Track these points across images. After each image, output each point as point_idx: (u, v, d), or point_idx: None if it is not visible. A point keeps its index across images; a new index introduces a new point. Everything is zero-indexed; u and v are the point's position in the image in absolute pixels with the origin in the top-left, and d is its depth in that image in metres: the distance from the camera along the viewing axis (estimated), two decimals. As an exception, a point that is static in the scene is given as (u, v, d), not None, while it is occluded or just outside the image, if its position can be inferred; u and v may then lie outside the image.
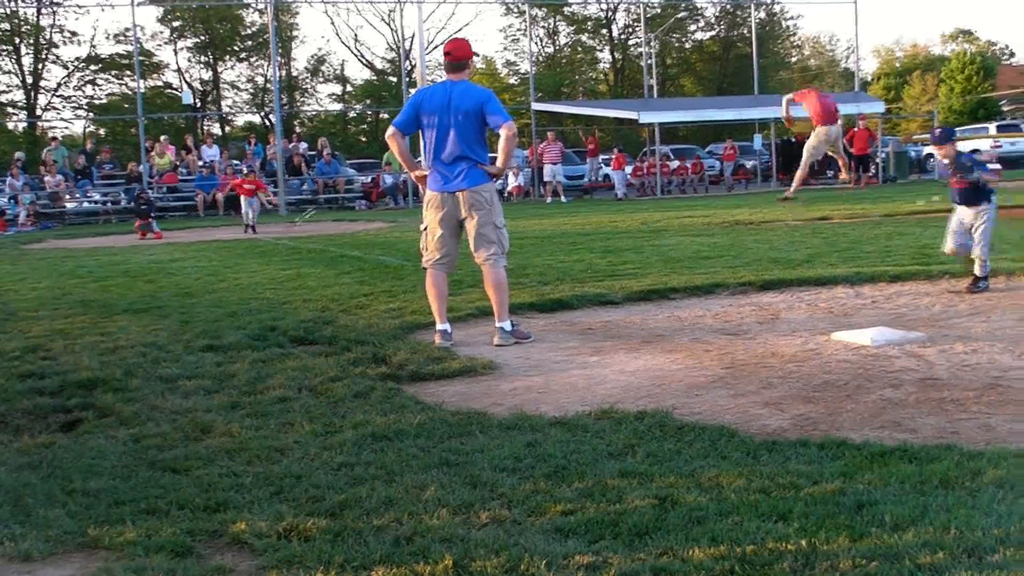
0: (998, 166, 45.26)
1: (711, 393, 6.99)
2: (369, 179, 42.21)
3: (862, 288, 11.48)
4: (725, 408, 6.54)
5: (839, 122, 23.04)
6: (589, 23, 78.36)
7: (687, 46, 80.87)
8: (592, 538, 4.22)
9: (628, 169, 43.20)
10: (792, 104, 22.93)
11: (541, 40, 77.85)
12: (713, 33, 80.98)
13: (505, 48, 72.79)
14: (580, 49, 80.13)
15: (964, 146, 51.03)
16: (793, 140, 47.83)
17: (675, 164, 46.26)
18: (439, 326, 9.26)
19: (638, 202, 36.67)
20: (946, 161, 11.16)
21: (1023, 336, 8.48)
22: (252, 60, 70.46)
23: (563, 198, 38.97)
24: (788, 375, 7.44)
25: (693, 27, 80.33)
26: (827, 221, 21.35)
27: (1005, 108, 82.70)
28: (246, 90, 72.04)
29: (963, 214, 10.85)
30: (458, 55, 9.27)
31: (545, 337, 9.49)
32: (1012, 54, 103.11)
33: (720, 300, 11.22)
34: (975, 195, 10.82)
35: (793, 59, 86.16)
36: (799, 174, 23.45)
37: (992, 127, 59.42)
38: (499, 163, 9.17)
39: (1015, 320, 9.24)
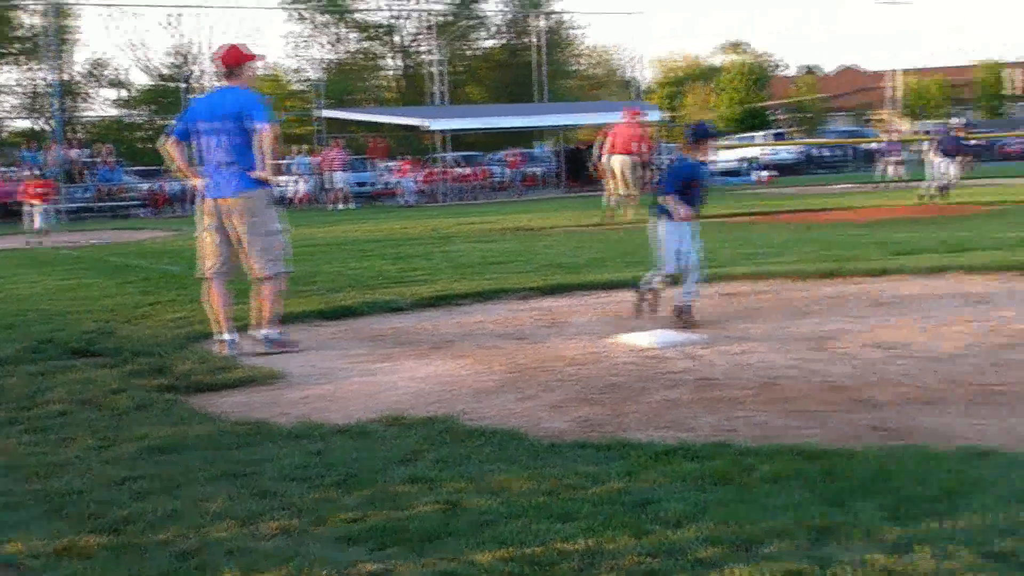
0: (771, 173, 47.00)
1: (498, 397, 7.06)
2: (152, 186, 41.19)
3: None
4: (512, 412, 6.61)
5: (638, 153, 23.12)
6: (376, 29, 78.11)
7: (476, 54, 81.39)
8: (378, 545, 4.22)
9: (416, 176, 43.25)
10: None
11: (327, 47, 77.27)
12: (500, 41, 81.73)
13: (289, 56, 71.65)
14: (364, 56, 79.78)
15: (737, 154, 52.96)
16: (578, 148, 48.74)
17: (463, 171, 46.53)
18: (224, 336, 9.10)
19: (426, 209, 36.73)
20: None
21: (791, 336, 8.82)
22: (24, 63, 67.77)
23: (352, 204, 38.79)
24: (573, 378, 7.57)
25: (481, 35, 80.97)
26: (613, 226, 21.76)
27: (778, 117, 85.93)
28: (20, 94, 69.29)
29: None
30: (227, 61, 9.14)
31: (334, 345, 9.43)
32: (779, 66, 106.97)
33: (507, 305, 11.33)
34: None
35: (580, 67, 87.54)
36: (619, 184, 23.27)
37: (758, 136, 61.60)
38: (259, 168, 9.00)
39: (785, 321, 9.60)
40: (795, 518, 4.25)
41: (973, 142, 33.09)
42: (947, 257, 12.72)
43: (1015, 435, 5.55)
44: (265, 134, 8.83)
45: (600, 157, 23.07)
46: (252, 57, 9.35)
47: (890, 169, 35.17)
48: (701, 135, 10.07)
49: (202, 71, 54.09)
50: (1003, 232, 15.68)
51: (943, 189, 25.19)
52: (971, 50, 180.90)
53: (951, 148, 25.60)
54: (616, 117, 24.54)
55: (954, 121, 25.98)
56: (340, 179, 39.64)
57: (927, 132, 24.60)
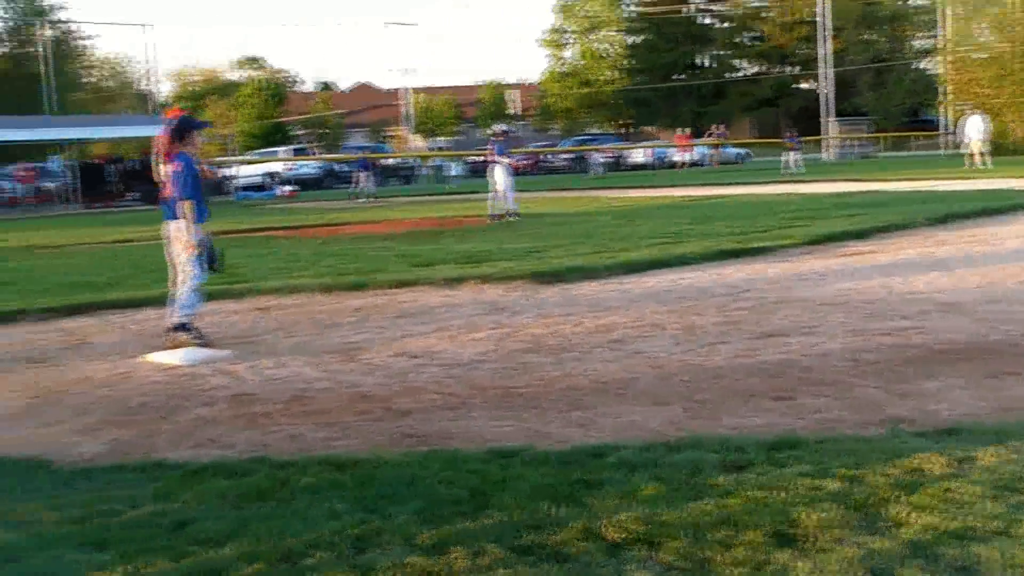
0: (294, 188, 47.21)
1: (19, 424, 6.72)
2: None
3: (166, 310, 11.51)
4: (36, 438, 6.31)
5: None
6: None
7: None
8: None
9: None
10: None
11: None
12: (3, 49, 77.35)
13: None
14: None
15: (260, 169, 52.92)
16: (96, 162, 47.00)
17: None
18: None
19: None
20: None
21: (321, 348, 8.93)
22: None
23: None
24: (101, 400, 7.32)
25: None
26: (130, 243, 21.13)
27: (297, 132, 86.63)
28: None
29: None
30: None
31: None
32: (296, 82, 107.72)
33: (24, 327, 10.78)
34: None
35: (89, 79, 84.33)
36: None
37: (281, 151, 61.87)
38: None
39: (315, 334, 9.72)
40: (334, 528, 4.33)
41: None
42: (465, 268, 13.28)
43: (535, 434, 5.91)
44: None
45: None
46: None
47: (363, 182, 39.40)
48: (187, 126, 9.44)
49: None
50: (514, 243, 16.57)
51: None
52: (474, 71, 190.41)
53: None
54: (134, 131, 23.86)
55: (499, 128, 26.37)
56: None
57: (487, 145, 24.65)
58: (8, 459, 5.72)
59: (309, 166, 57.50)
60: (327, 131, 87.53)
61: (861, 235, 15.68)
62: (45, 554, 4.20)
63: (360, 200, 38.14)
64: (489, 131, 26.25)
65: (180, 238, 9.17)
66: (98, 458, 5.78)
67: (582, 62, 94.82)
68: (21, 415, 6.99)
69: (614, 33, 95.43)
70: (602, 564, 3.90)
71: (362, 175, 40.43)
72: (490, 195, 23.67)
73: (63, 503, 4.86)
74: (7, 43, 75.45)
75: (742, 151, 66.36)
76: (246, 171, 53.15)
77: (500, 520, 4.35)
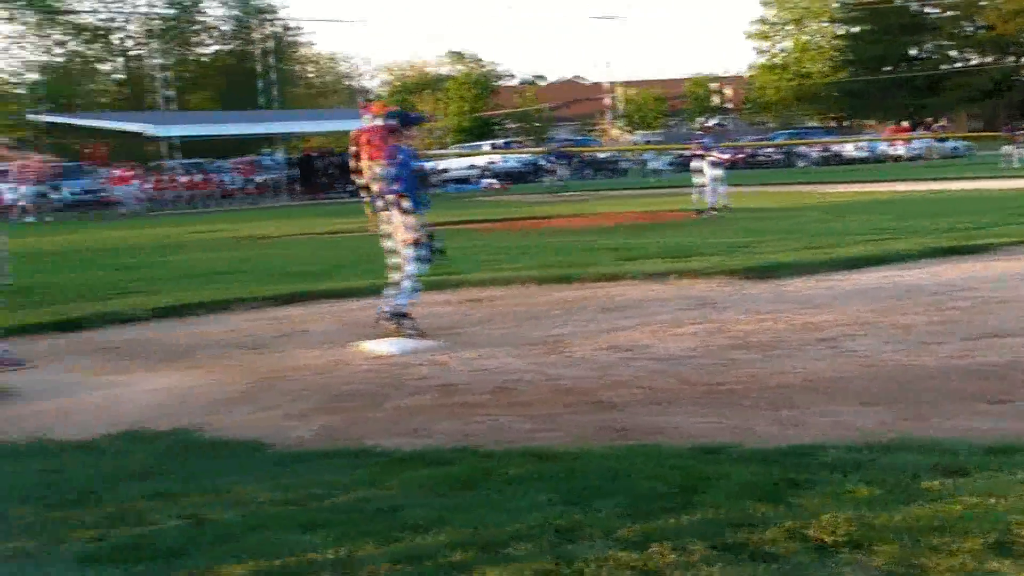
0: (504, 181, 47.67)
1: (237, 408, 6.96)
2: None
3: (381, 299, 11.75)
4: (252, 422, 6.53)
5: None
6: (95, 33, 75.53)
7: (200, 59, 79.72)
8: (121, 563, 4.09)
9: (138, 184, 41.77)
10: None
11: (49, 49, 74.24)
12: (227, 47, 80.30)
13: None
14: (85, 59, 77.07)
15: (467, 162, 53.69)
16: (311, 155, 48.37)
17: (190, 178, 45.41)
18: None
19: (150, 218, 35.68)
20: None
21: (527, 340, 9.00)
22: None
23: (31, 217, 36.03)
24: (313, 386, 7.53)
25: (207, 40, 79.35)
26: (342, 234, 21.64)
27: (505, 126, 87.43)
28: None
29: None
30: None
31: (63, 358, 9.09)
32: (505, 76, 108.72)
33: (241, 315, 11.16)
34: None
35: (306, 75, 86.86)
36: None
37: (487, 144, 62.61)
38: None
39: (522, 326, 9.80)
40: (537, 519, 4.34)
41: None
42: (672, 262, 13.20)
43: (741, 431, 5.82)
44: None
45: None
46: None
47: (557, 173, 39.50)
48: (406, 120, 9.77)
49: None
50: (723, 238, 16.38)
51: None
52: (682, 64, 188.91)
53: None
54: (348, 124, 24.14)
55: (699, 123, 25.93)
56: (27, 193, 36.83)
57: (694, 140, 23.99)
58: (227, 441, 5.93)
59: (517, 159, 58.03)
60: (534, 125, 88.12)
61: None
62: (262, 534, 4.33)
63: (554, 193, 38.15)
64: (695, 125, 25.70)
65: (400, 230, 9.34)
66: (310, 443, 5.95)
67: (792, 54, 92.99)
68: (239, 400, 7.25)
69: (826, 24, 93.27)
70: (810, 565, 3.81)
71: (557, 167, 40.39)
72: (695, 190, 23.39)
73: (278, 485, 5.01)
74: (230, 41, 78.37)
75: (960, 145, 64.06)
76: (455, 164, 54.00)
77: (705, 517, 4.29)
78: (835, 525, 4.10)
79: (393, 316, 9.30)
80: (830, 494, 4.47)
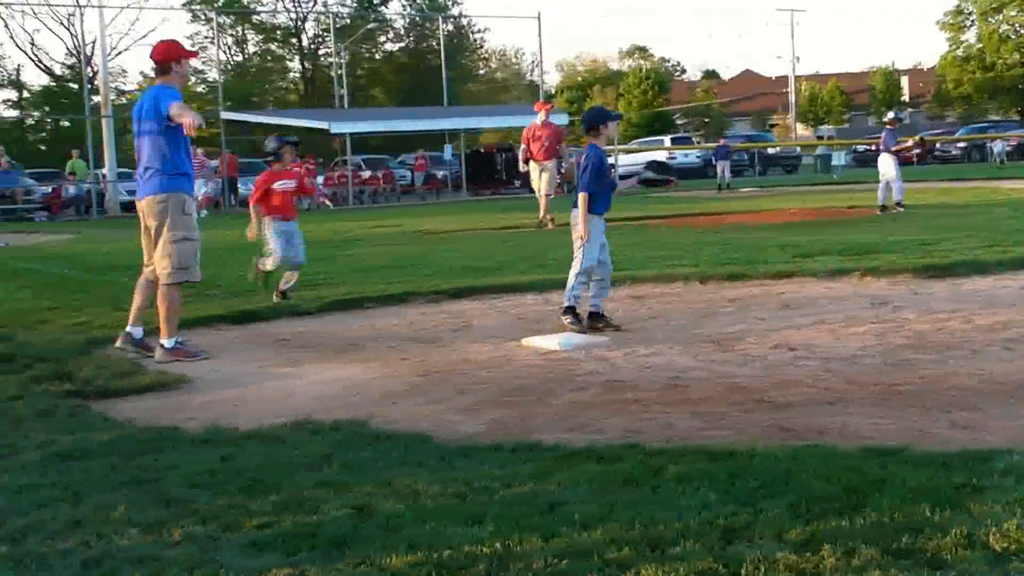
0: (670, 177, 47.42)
1: (406, 401, 7.04)
2: (50, 189, 40.35)
3: (550, 295, 11.78)
4: (421, 415, 6.59)
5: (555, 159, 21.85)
6: (278, 32, 77.62)
7: (377, 57, 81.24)
8: (289, 551, 4.17)
9: (320, 179, 42.74)
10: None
11: (229, 48, 76.54)
12: (403, 44, 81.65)
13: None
14: (269, 58, 79.25)
15: (642, 157, 53.50)
16: (482, 151, 48.81)
17: (367, 174, 46.29)
18: (127, 328, 9.00)
19: (328, 212, 36.45)
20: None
21: (697, 338, 8.91)
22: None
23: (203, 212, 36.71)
24: (481, 381, 7.57)
25: (383, 38, 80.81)
26: (515, 229, 21.77)
27: (678, 121, 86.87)
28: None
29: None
30: (155, 57, 8.93)
31: (239, 349, 9.34)
32: (683, 70, 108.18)
33: (413, 308, 11.30)
34: None
35: (481, 71, 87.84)
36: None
37: (667, 139, 62.25)
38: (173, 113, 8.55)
39: (691, 323, 9.70)
40: (703, 518, 4.28)
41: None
42: (848, 260, 12.91)
43: (916, 434, 5.65)
44: (173, 111, 8.50)
45: (527, 161, 21.22)
46: (187, 54, 9.13)
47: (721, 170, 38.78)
48: (601, 118, 9.82)
49: (94, 71, 52.88)
50: (902, 235, 15.96)
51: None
52: (865, 57, 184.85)
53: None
54: (522, 120, 24.11)
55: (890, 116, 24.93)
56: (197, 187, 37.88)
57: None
58: (396, 433, 5.99)
59: (691, 155, 57.57)
60: (709, 119, 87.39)
61: None
62: (426, 525, 4.36)
63: (722, 190, 37.79)
64: (884, 119, 24.86)
65: (576, 227, 9.43)
66: (477, 436, 5.98)
67: (982, 45, 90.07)
68: (408, 392, 7.33)
69: (1021, 13, 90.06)
70: (984, 574, 3.68)
71: (719, 164, 39.98)
72: (880, 185, 22.78)
73: (443, 478, 5.04)
74: (408, 38, 79.61)
75: None
76: (626, 160, 53.80)
77: (875, 521, 4.18)
78: (1013, 533, 3.94)
79: (565, 312, 9.46)
80: (1009, 501, 4.30)
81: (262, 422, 6.41)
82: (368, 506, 4.64)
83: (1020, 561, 3.76)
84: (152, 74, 9.34)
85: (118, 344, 8.96)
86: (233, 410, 6.96)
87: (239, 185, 39.75)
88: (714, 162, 41.77)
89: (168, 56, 8.93)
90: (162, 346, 8.85)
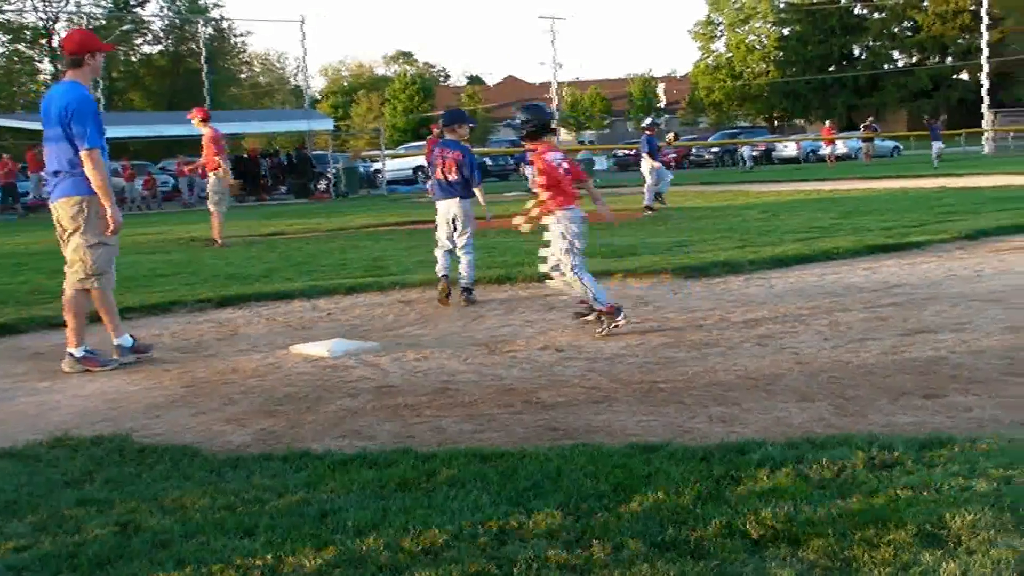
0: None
1: (172, 413, 6.88)
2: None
3: (319, 301, 11.72)
4: (187, 427, 6.45)
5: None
6: (27, 32, 74.67)
7: (135, 59, 79.05)
8: (50, 573, 4.02)
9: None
10: None
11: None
12: (161, 47, 79.65)
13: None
14: (17, 59, 76.16)
15: (406, 163, 53.71)
16: (246, 156, 48.08)
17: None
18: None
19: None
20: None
21: (466, 341, 8.99)
22: None
23: None
24: (250, 390, 7.46)
25: (140, 40, 78.67)
26: (281, 236, 21.56)
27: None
28: None
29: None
30: (69, 48, 8.38)
31: (-9, 364, 8.95)
32: (449, 76, 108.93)
33: (178, 318, 11.05)
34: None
35: (244, 75, 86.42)
36: None
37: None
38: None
39: (459, 326, 9.78)
40: (476, 520, 4.32)
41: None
42: (609, 262, 13.21)
43: (678, 428, 5.85)
44: (86, 159, 8.15)
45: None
46: (103, 46, 8.61)
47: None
48: (456, 118, 11.63)
49: None
50: (659, 237, 16.44)
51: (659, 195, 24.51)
52: (624, 65, 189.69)
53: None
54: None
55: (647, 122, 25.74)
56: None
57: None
58: (161, 446, 5.85)
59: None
60: (474, 125, 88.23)
61: (1021, 229, 15.21)
62: (195, 540, 4.27)
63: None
64: (643, 125, 25.80)
65: (470, 217, 11.21)
66: (246, 447, 5.89)
67: (732, 54, 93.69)
68: (174, 403, 7.16)
69: (765, 25, 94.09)
70: (743, 562, 3.83)
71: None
72: (646, 189, 23.69)
73: (212, 491, 4.94)
74: (167, 40, 77.71)
75: (895, 144, 64.88)
76: (393, 165, 53.86)
77: (642, 515, 4.30)
78: (767, 520, 4.11)
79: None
80: (765, 490, 4.49)
81: (17, 440, 6.14)
82: (134, 523, 4.51)
83: (775, 547, 3.93)
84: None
85: (64, 367, 8.53)
86: (-14, 429, 6.65)
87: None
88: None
89: (83, 48, 8.39)
90: (70, 355, 8.45)
